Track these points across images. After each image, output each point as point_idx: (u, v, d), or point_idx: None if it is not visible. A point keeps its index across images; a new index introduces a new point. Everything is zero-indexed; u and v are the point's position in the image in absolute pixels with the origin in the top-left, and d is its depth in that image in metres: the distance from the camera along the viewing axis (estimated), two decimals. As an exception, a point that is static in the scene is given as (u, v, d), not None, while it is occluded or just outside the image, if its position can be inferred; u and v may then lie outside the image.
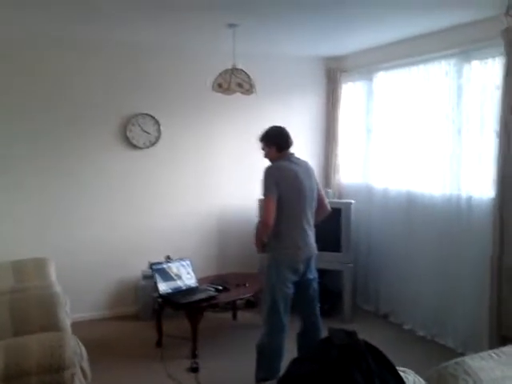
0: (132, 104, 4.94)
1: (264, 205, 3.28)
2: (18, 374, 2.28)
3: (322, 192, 3.62)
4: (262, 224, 3.28)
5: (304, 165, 3.48)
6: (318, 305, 3.61)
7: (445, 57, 4.25)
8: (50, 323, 3.02)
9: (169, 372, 3.80)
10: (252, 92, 4.14)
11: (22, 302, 3.15)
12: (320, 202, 3.52)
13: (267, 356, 3.35)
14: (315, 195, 3.47)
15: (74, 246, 4.79)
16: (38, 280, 3.89)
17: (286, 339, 3.37)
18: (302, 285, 3.44)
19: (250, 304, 5.20)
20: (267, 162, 3.49)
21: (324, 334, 3.65)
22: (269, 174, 3.30)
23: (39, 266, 4.15)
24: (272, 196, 3.23)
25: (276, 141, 3.47)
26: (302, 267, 3.38)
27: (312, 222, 3.45)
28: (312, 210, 3.44)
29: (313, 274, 3.51)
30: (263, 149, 3.53)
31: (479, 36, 3.89)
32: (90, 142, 4.82)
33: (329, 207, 3.61)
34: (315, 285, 3.55)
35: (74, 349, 2.47)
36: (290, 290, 3.38)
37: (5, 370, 2.26)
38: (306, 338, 3.53)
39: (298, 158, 3.49)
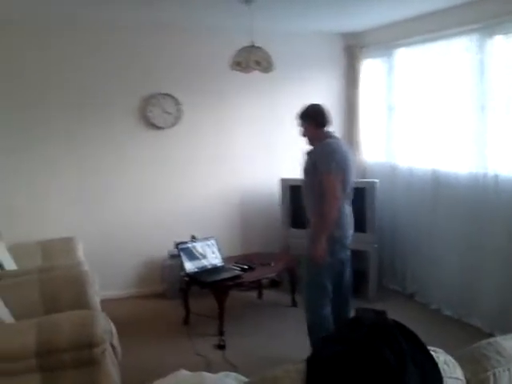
0: (152, 84, 4.94)
1: (327, 182, 3.24)
2: (50, 351, 2.32)
3: None
4: (332, 202, 3.24)
5: (348, 146, 3.50)
6: (351, 290, 3.68)
7: (467, 32, 4.13)
8: (80, 301, 3.08)
9: (196, 349, 3.85)
10: (270, 70, 4.09)
11: (51, 281, 3.21)
12: None
13: (316, 332, 3.39)
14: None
15: (101, 226, 4.87)
16: (66, 259, 3.96)
17: (330, 313, 3.43)
18: (337, 264, 3.48)
19: (275, 283, 5.22)
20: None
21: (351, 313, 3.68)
22: (327, 152, 3.31)
23: (67, 245, 4.23)
24: (333, 172, 3.23)
25: (315, 117, 3.45)
26: (346, 243, 3.46)
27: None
28: (352, 190, 3.49)
29: (347, 252, 3.58)
30: (301, 126, 3.51)
31: (502, 9, 3.76)
32: (113, 122, 4.86)
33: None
34: (349, 265, 3.60)
35: (105, 326, 2.51)
36: (333, 266, 3.42)
37: (37, 346, 2.30)
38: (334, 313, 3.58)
39: (340, 138, 3.50)
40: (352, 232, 3.52)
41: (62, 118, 4.66)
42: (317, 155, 3.34)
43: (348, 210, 3.46)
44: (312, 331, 3.45)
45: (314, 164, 3.34)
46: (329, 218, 3.26)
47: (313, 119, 3.45)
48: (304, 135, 3.51)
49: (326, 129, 3.46)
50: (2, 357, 2.29)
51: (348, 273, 3.61)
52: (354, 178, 3.49)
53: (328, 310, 3.43)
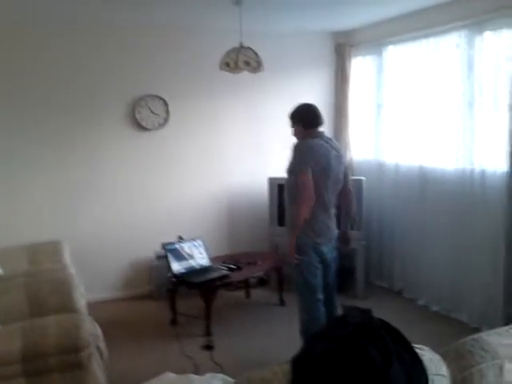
0: (140, 85, 4.91)
1: (301, 180, 3.19)
2: (36, 355, 2.30)
3: (349, 176, 3.60)
4: (304, 200, 3.18)
5: (335, 146, 3.42)
6: (335, 288, 3.64)
7: (456, 28, 4.15)
8: (66, 305, 3.05)
9: (184, 350, 3.83)
10: (260, 70, 4.08)
11: (37, 285, 3.18)
12: (344, 185, 3.50)
13: (308, 332, 3.36)
14: (341, 178, 3.43)
15: (87, 227, 4.83)
16: (52, 262, 3.92)
17: (324, 314, 3.40)
18: (322, 265, 3.44)
19: (263, 282, 5.23)
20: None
21: (339, 311, 3.68)
22: (302, 150, 3.27)
23: (53, 248, 4.19)
24: (308, 171, 3.17)
25: (303, 118, 3.40)
26: (324, 249, 3.40)
27: (334, 204, 3.42)
28: (336, 192, 3.41)
29: (332, 254, 3.52)
30: (291, 126, 3.48)
31: (492, 6, 3.78)
32: (100, 123, 4.81)
33: (352, 190, 3.62)
34: (334, 265, 3.57)
35: (90, 329, 2.49)
36: (318, 268, 3.39)
37: (23, 351, 2.28)
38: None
39: (330, 138, 3.45)
40: (331, 237, 3.45)
41: (50, 118, 4.62)
42: (293, 154, 3.31)
43: (326, 217, 3.36)
44: (304, 330, 3.44)
45: (292, 163, 3.33)
46: (298, 217, 3.21)
47: (301, 119, 3.40)
48: (294, 135, 3.49)
49: (316, 129, 3.39)
50: (-13, 363, 2.26)
51: (332, 273, 3.57)
52: (341, 180, 3.43)
53: (319, 310, 3.40)
